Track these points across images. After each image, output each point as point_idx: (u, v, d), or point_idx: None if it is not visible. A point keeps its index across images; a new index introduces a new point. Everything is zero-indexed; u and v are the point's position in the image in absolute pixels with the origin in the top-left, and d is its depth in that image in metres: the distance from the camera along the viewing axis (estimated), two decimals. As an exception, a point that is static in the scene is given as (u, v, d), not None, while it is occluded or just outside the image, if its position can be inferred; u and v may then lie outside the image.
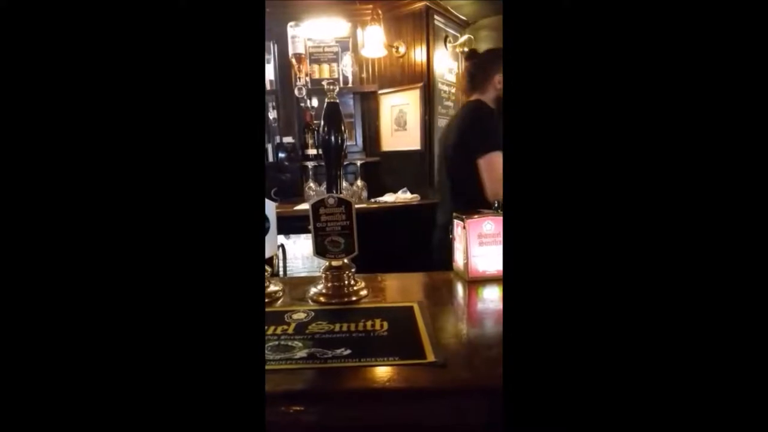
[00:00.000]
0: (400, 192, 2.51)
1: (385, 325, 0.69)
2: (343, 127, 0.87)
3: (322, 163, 2.56)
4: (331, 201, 0.84)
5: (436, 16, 2.56)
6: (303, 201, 2.40)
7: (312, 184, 2.49)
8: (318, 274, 0.88)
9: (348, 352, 0.60)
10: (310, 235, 0.84)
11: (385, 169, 2.72)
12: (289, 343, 0.63)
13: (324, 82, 0.87)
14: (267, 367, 0.56)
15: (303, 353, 0.60)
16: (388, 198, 2.48)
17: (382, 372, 0.56)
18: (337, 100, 0.87)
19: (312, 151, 2.61)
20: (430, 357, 0.57)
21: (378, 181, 2.64)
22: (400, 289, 0.96)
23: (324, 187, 2.45)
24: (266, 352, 0.60)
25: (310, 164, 2.53)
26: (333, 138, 0.86)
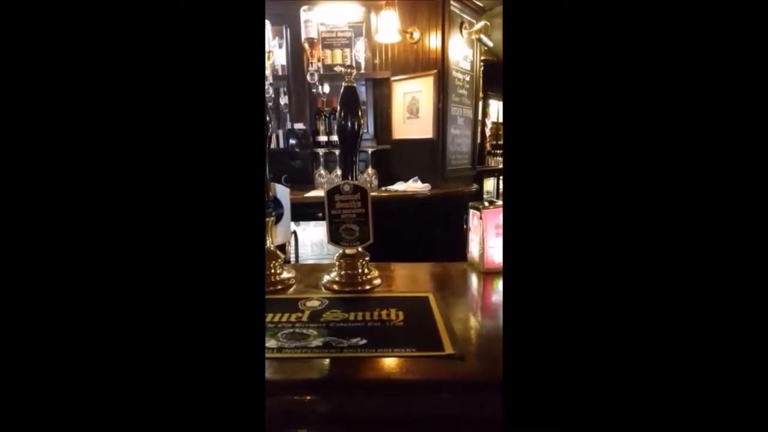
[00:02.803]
0: (411, 181, 2.48)
1: (401, 315, 0.68)
2: (360, 113, 0.85)
3: (333, 150, 2.56)
4: (346, 188, 0.82)
5: (452, 2, 2.50)
6: (313, 188, 2.39)
7: (322, 171, 2.47)
8: (328, 261, 0.87)
9: (364, 341, 0.59)
10: (319, 222, 0.83)
11: (396, 158, 2.69)
12: (304, 331, 0.62)
13: (340, 67, 0.85)
14: (282, 355, 0.56)
15: (318, 342, 0.59)
16: (399, 186, 2.46)
17: (399, 363, 0.55)
18: (354, 84, 0.85)
19: (323, 138, 2.59)
20: (449, 349, 0.56)
21: (389, 170, 2.61)
22: (414, 278, 0.94)
23: (334, 174, 2.43)
24: (281, 339, 0.60)
25: (320, 151, 2.51)
26: (350, 123, 0.84)
